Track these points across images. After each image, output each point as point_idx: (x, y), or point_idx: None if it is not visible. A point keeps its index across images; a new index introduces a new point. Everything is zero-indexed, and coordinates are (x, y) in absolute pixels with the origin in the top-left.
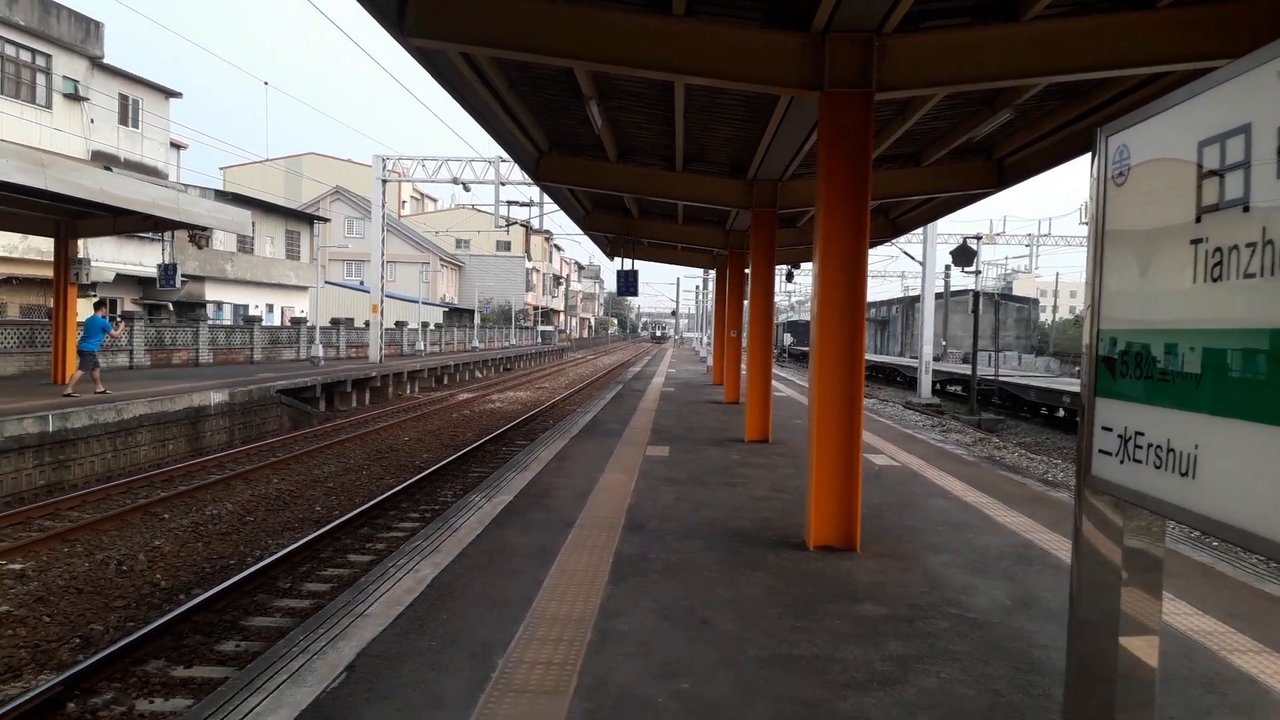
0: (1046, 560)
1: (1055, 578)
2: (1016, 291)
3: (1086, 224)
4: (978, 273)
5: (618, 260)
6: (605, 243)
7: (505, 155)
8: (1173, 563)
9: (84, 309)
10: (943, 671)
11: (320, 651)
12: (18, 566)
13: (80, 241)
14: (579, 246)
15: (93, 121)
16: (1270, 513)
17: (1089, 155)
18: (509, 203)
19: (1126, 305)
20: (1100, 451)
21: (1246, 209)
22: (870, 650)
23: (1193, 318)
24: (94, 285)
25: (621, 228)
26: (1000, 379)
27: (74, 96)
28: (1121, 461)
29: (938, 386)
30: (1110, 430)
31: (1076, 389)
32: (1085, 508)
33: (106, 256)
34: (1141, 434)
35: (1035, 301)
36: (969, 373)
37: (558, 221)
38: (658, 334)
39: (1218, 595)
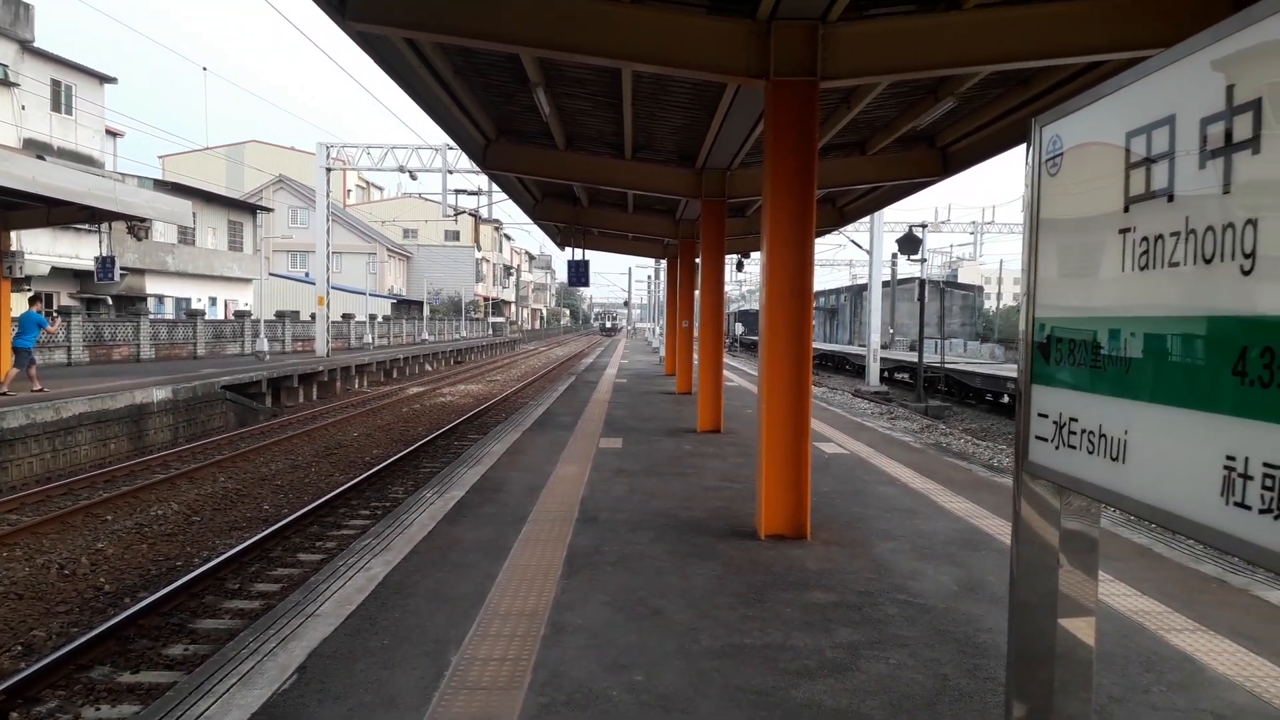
0: (991, 545)
1: (1000, 562)
2: (962, 279)
3: (1024, 212)
4: (924, 261)
5: (569, 250)
6: (556, 232)
7: (453, 143)
8: (1111, 545)
9: (18, 304)
10: (892, 657)
11: (270, 653)
12: None
13: (13, 234)
14: (530, 236)
15: (24, 108)
16: (1194, 495)
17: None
18: (457, 191)
19: (1060, 293)
20: (1037, 437)
21: (1171, 199)
22: (821, 638)
23: (1123, 305)
24: (28, 279)
25: (572, 217)
26: (946, 366)
27: (4, 82)
28: (1057, 447)
29: (886, 374)
30: (1045, 416)
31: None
32: (1024, 492)
33: (41, 249)
34: (1075, 420)
35: (980, 289)
36: (916, 360)
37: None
38: (608, 325)
39: (1155, 576)
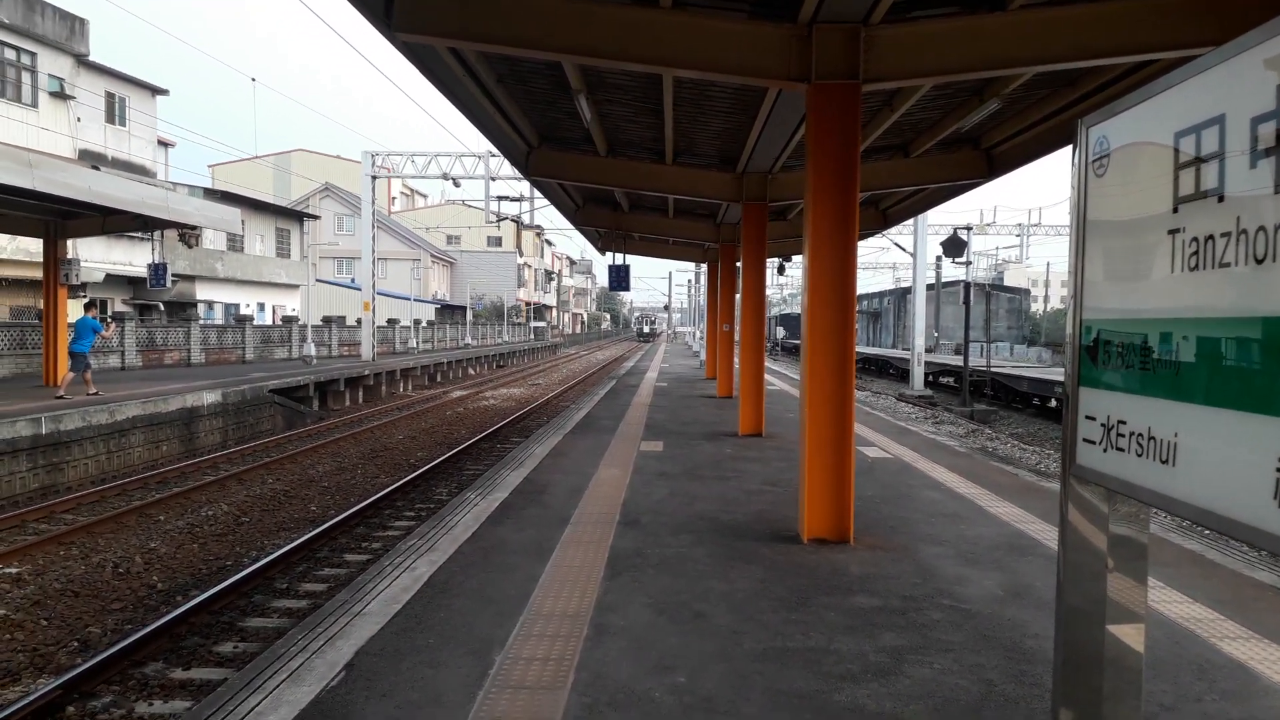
0: (1038, 550)
1: (1047, 567)
2: (1008, 282)
3: (1070, 214)
4: (968, 263)
5: (609, 255)
6: (596, 237)
7: (495, 150)
8: (1162, 550)
9: (74, 310)
10: (936, 662)
11: (319, 651)
12: (14, 570)
13: (69, 242)
14: (570, 241)
15: (79, 120)
16: (1246, 498)
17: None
18: (499, 198)
19: (1107, 295)
20: (1084, 440)
21: (1221, 199)
22: (864, 642)
23: (1171, 307)
24: (84, 286)
25: (612, 222)
26: (992, 370)
27: (60, 95)
28: (1105, 450)
29: (930, 378)
30: (1093, 419)
31: None
32: (1071, 496)
33: (96, 257)
34: (1124, 422)
35: (1026, 292)
36: (961, 364)
37: (549, 216)
38: (645, 329)
39: (1206, 582)
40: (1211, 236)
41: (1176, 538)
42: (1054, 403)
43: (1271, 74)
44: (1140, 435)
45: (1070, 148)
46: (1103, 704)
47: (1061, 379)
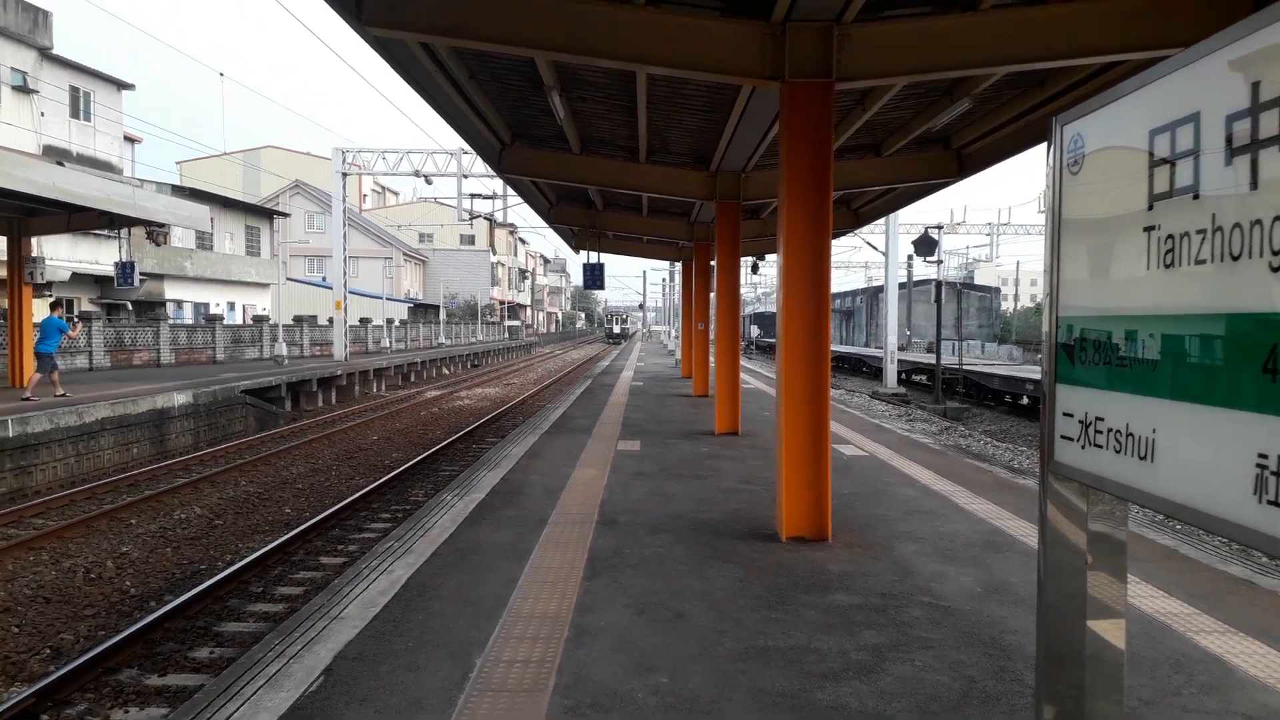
0: (1014, 546)
1: (1023, 563)
2: (978, 280)
3: (1044, 212)
4: (940, 262)
5: (584, 253)
6: (571, 235)
7: (468, 147)
8: (1137, 546)
9: (40, 310)
10: (917, 659)
11: (296, 655)
12: None
13: (34, 240)
14: (544, 240)
15: (43, 115)
16: (1225, 493)
17: (1045, 144)
18: (472, 195)
19: (1084, 292)
20: (1062, 437)
21: (1197, 196)
22: (845, 640)
23: (1148, 304)
24: (49, 285)
25: (587, 220)
26: (964, 368)
27: (23, 89)
28: (1083, 447)
29: (903, 376)
30: (1071, 416)
31: (1038, 377)
32: (1050, 493)
33: (61, 255)
34: (1101, 419)
35: (997, 290)
36: (934, 362)
37: (523, 214)
38: (616, 329)
39: (1181, 577)
40: (1187, 234)
41: (1151, 533)
42: (1025, 400)
43: (1245, 73)
44: (1118, 432)
45: (1041, 146)
46: (1085, 699)
47: (1032, 376)
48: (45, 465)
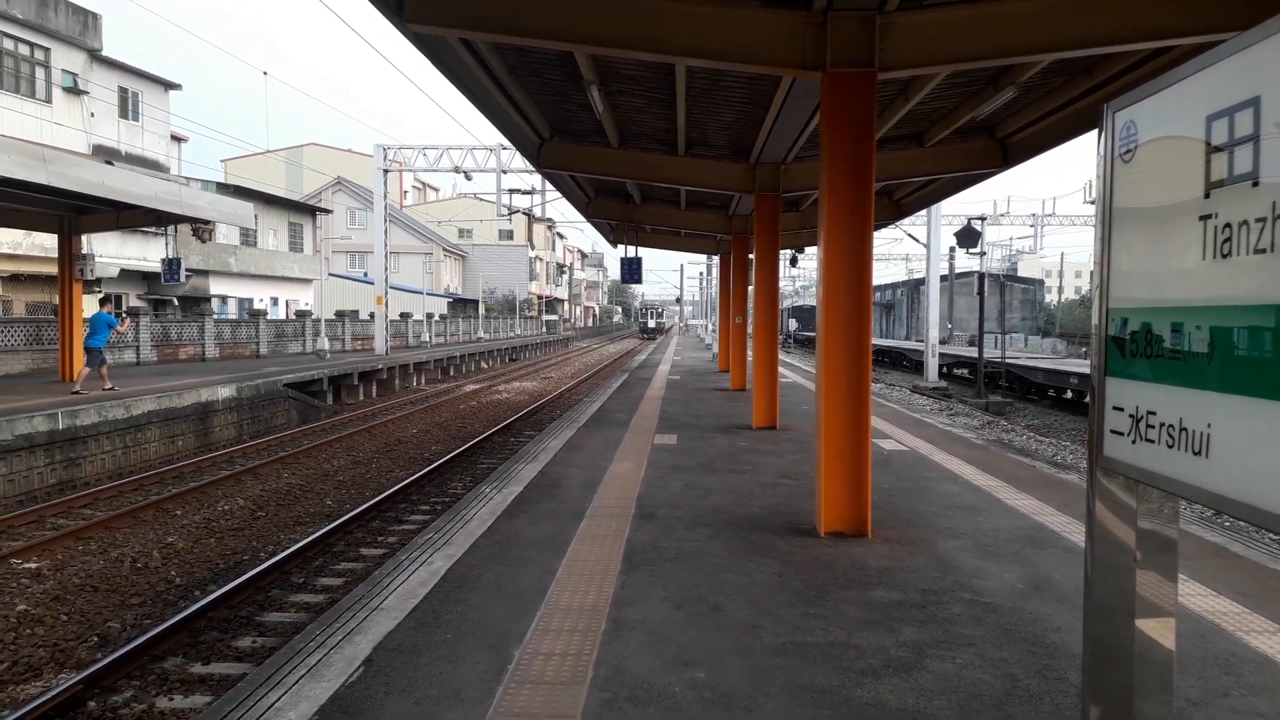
0: (1058, 543)
1: (1067, 560)
2: (1022, 272)
3: (1091, 203)
4: (982, 254)
5: (621, 248)
6: (608, 230)
7: (506, 143)
8: (1184, 543)
9: (89, 305)
10: (958, 657)
11: (337, 646)
12: (34, 565)
13: (84, 237)
14: (582, 234)
15: (93, 115)
16: None
17: (1094, 132)
18: (511, 191)
19: (1135, 284)
20: (1112, 432)
21: (1256, 183)
22: (885, 636)
23: (1202, 295)
24: (98, 281)
25: (624, 214)
26: (1007, 361)
27: (73, 90)
28: (1133, 441)
29: (944, 370)
30: (1121, 410)
31: (1083, 370)
32: (1098, 489)
33: (110, 252)
34: (1153, 413)
35: (1041, 282)
36: (975, 355)
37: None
38: (650, 324)
39: (1230, 575)
40: (1245, 222)
41: (1199, 530)
42: (1069, 394)
43: None
44: (1171, 426)
45: (1090, 136)
46: (1133, 699)
47: (1077, 370)
48: (94, 457)
